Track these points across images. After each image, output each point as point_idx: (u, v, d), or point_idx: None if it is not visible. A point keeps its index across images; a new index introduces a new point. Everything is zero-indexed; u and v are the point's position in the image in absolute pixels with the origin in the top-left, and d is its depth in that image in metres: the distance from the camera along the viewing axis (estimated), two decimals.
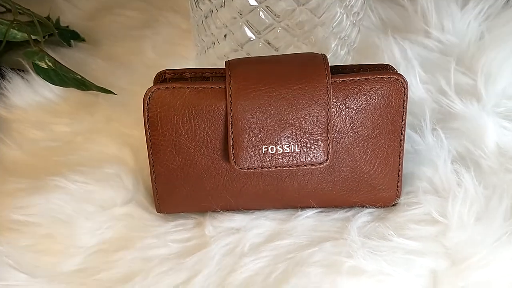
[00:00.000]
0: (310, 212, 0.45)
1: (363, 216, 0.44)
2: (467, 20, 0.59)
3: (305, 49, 0.49)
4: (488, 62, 0.54)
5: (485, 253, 0.40)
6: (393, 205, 0.45)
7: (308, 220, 0.44)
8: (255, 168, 0.41)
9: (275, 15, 0.48)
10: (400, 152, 0.43)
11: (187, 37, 0.61)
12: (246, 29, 0.48)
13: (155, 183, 0.43)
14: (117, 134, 0.51)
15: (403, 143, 0.43)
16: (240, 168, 0.41)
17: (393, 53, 0.57)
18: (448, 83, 0.54)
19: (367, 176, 0.43)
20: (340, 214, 0.45)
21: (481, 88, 0.53)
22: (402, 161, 0.44)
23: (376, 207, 0.45)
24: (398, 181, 0.44)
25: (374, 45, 0.58)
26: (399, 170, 0.44)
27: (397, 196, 0.45)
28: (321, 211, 0.45)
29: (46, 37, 0.60)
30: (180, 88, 0.40)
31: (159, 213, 0.45)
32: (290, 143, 0.41)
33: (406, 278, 0.40)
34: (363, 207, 0.45)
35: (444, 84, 0.54)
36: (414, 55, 0.56)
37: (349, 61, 0.53)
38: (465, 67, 0.56)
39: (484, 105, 0.52)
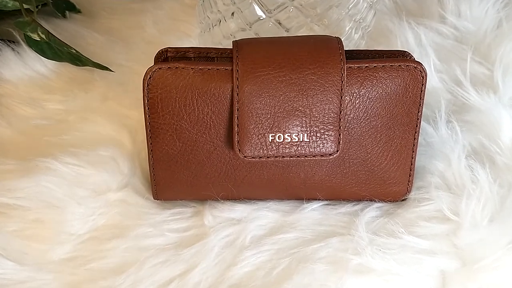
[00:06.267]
0: (315, 205, 0.43)
1: (372, 211, 0.43)
2: (485, 6, 0.58)
3: (317, 31, 0.47)
4: (506, 52, 0.53)
5: (498, 255, 0.39)
6: (403, 200, 0.44)
7: (313, 213, 0.43)
8: (260, 157, 0.40)
9: None
10: (414, 145, 0.42)
11: (191, 13, 0.59)
12: (256, 7, 0.46)
13: (153, 168, 0.42)
14: (113, 114, 0.50)
15: (418, 136, 0.41)
16: (245, 157, 0.40)
17: (406, 38, 0.55)
18: (464, 73, 0.52)
19: (378, 169, 0.42)
20: (348, 208, 0.44)
21: (498, 79, 0.51)
22: (415, 155, 0.42)
23: (385, 202, 0.44)
24: (410, 176, 0.43)
25: (387, 29, 0.57)
26: (411, 164, 0.42)
27: (408, 191, 0.43)
28: (328, 204, 0.44)
29: (40, 6, 0.58)
30: (183, 68, 0.38)
31: (156, 200, 0.44)
32: (299, 131, 0.39)
33: (415, 278, 0.39)
34: (371, 201, 0.44)
35: (459, 73, 0.52)
36: (428, 41, 0.55)
37: (363, 46, 0.51)
38: (481, 56, 0.54)
39: (501, 97, 0.50)
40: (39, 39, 0.52)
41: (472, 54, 0.53)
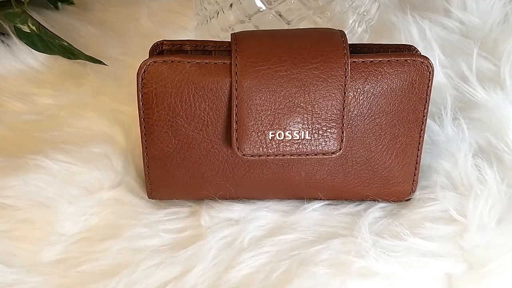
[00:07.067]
0: (317, 205, 0.42)
1: (375, 211, 0.42)
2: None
3: (320, 23, 0.47)
4: None
5: (506, 258, 0.38)
6: (407, 200, 0.43)
7: (314, 213, 0.42)
8: (260, 156, 0.38)
9: None
10: (419, 144, 0.40)
11: (187, 5, 0.59)
12: None
13: (148, 167, 0.40)
14: (106, 109, 0.49)
15: (424, 134, 0.40)
16: (244, 155, 0.38)
17: (411, 33, 0.54)
18: (470, 69, 0.51)
19: (381, 168, 0.41)
20: (350, 208, 0.42)
21: (505, 75, 0.50)
22: (420, 153, 0.41)
23: (389, 202, 0.42)
24: (414, 175, 0.41)
25: (390, 23, 0.56)
26: (416, 163, 0.41)
27: (412, 190, 0.42)
28: (329, 204, 0.43)
29: None
30: (179, 62, 0.37)
31: (150, 199, 0.43)
32: (300, 129, 0.38)
33: (421, 281, 0.38)
34: (374, 201, 0.42)
35: (465, 69, 0.51)
36: (433, 36, 0.54)
37: (366, 40, 0.50)
38: (488, 51, 0.53)
39: (508, 93, 0.49)
40: (29, 31, 0.51)
41: (478, 49, 0.52)
